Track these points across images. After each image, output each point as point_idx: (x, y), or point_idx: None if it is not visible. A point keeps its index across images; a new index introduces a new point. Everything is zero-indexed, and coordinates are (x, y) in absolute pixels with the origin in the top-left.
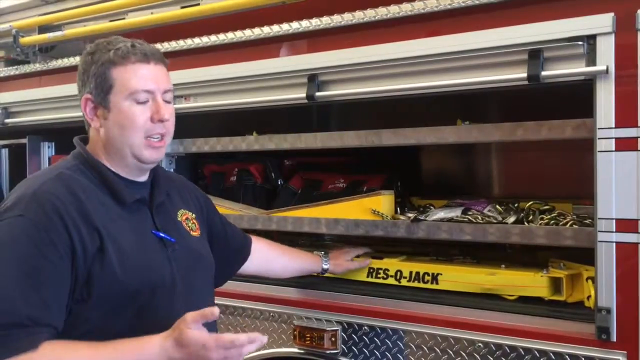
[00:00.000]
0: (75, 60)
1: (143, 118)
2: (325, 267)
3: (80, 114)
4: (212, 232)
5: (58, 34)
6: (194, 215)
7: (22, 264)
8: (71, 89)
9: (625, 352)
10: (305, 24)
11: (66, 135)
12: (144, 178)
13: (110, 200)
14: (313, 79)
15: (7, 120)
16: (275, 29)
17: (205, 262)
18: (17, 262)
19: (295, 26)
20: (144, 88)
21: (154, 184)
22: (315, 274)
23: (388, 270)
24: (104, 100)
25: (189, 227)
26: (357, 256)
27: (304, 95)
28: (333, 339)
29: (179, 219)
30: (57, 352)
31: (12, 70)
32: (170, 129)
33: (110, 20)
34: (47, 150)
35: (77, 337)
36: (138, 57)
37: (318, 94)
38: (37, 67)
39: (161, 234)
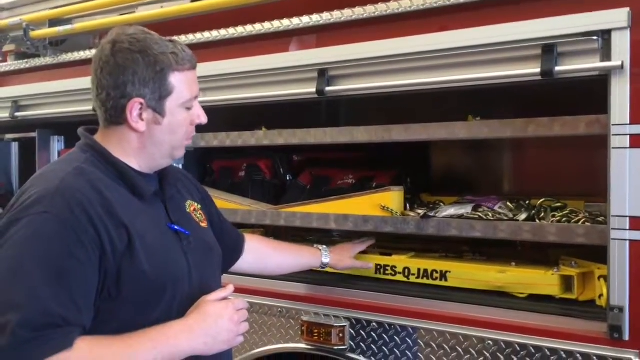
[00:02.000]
0: (85, 53)
1: (188, 122)
2: (325, 261)
3: (89, 108)
4: (211, 225)
5: (68, 27)
6: (199, 206)
7: (50, 263)
8: (81, 82)
9: (638, 351)
10: (315, 18)
11: (76, 129)
12: (152, 171)
13: (129, 194)
14: (323, 74)
15: (17, 114)
16: (285, 23)
17: (215, 252)
18: (46, 262)
19: (305, 20)
20: (196, 95)
21: (161, 176)
22: (315, 269)
23: (396, 267)
24: (159, 106)
25: (197, 218)
26: (364, 252)
27: (314, 90)
28: (341, 335)
29: (188, 210)
30: (93, 348)
31: (22, 64)
32: None
33: (120, 14)
34: (56, 144)
35: (105, 334)
36: (192, 64)
37: (328, 88)
38: (47, 60)
39: (176, 227)
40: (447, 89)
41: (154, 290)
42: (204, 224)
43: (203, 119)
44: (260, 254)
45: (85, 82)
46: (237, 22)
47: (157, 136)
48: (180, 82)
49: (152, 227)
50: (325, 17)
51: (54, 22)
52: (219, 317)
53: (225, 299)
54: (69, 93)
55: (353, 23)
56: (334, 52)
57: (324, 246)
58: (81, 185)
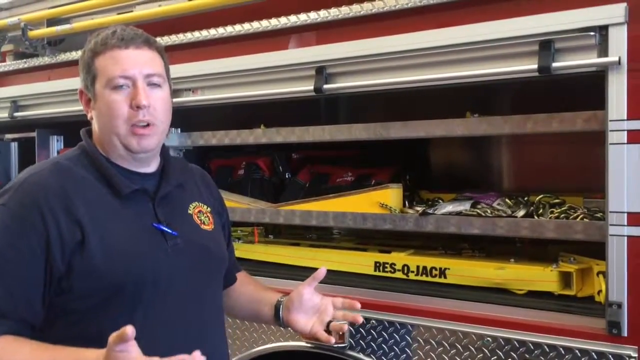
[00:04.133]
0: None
1: (124, 105)
2: (280, 313)
3: None
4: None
5: (66, 27)
6: (209, 209)
7: None
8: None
9: (636, 347)
10: (313, 16)
11: (75, 129)
12: (150, 169)
13: (106, 191)
14: (321, 72)
15: (16, 114)
16: (282, 21)
17: (214, 258)
18: None
19: (303, 18)
20: (120, 74)
21: (163, 174)
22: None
23: (395, 264)
24: (91, 91)
25: (200, 220)
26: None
27: (311, 87)
28: (340, 332)
29: (190, 211)
30: (6, 346)
31: (21, 64)
32: (158, 116)
33: (118, 13)
34: (55, 143)
35: (64, 327)
36: (116, 43)
37: (326, 86)
38: (45, 60)
39: (162, 227)
40: (444, 85)
41: (110, 288)
42: (206, 227)
43: (139, 100)
44: (235, 298)
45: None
46: (234, 21)
47: (98, 122)
48: (104, 64)
49: (125, 226)
50: (322, 15)
51: (52, 21)
52: None
53: None
54: (68, 93)
55: (351, 20)
56: (332, 50)
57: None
58: (46, 180)
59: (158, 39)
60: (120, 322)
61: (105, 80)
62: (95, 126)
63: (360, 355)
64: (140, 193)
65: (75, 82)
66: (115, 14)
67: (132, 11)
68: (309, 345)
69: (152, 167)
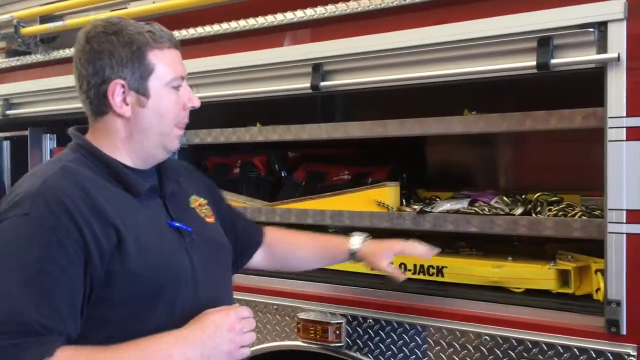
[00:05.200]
0: None
1: (178, 106)
2: (354, 247)
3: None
4: (221, 221)
5: (59, 24)
6: (205, 201)
7: (29, 268)
8: (73, 79)
9: (636, 345)
10: (309, 12)
11: (68, 127)
12: (148, 166)
13: (122, 192)
14: (317, 69)
15: (8, 112)
16: (279, 18)
17: (224, 250)
18: (24, 266)
19: (299, 15)
20: (182, 75)
21: (160, 172)
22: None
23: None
24: (142, 86)
25: (203, 213)
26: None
27: (308, 85)
28: (337, 332)
29: (192, 205)
30: (71, 358)
31: (13, 61)
32: None
33: (112, 10)
34: (48, 142)
35: (100, 341)
36: (172, 43)
37: (323, 83)
38: (38, 57)
39: (177, 224)
40: (443, 82)
41: (150, 292)
42: (210, 219)
43: (195, 101)
44: (278, 250)
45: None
46: (230, 17)
47: (143, 121)
48: (161, 60)
49: (148, 225)
50: (319, 12)
51: (44, 18)
52: (217, 326)
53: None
54: (61, 90)
55: (348, 17)
56: (329, 47)
57: (362, 234)
58: (65, 184)
59: None
60: (159, 324)
61: (170, 78)
62: (126, 124)
63: (358, 355)
64: (151, 191)
65: (68, 80)
66: (109, 10)
67: (126, 8)
68: (306, 344)
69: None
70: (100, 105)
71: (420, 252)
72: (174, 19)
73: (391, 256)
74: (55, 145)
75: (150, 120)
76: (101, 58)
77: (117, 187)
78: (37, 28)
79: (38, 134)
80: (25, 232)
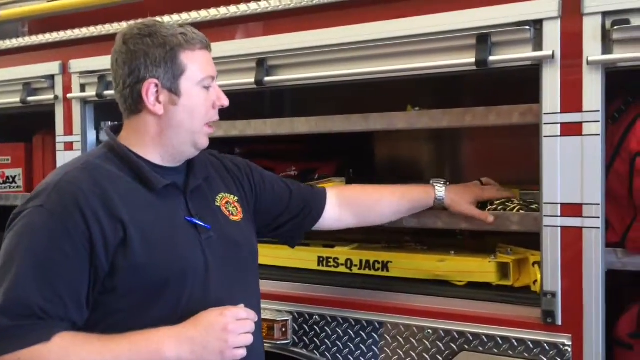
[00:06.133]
0: (12, 42)
1: (208, 104)
2: (440, 195)
3: (17, 100)
4: (268, 202)
5: None
6: (235, 198)
7: (36, 255)
8: (9, 73)
9: (570, 335)
10: (253, 7)
11: (4, 122)
12: (178, 163)
13: (140, 187)
14: (262, 64)
15: None
16: (222, 11)
17: (244, 250)
18: (32, 254)
19: (243, 8)
20: (212, 74)
21: (189, 168)
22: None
23: (338, 258)
24: (174, 85)
25: (229, 211)
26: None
27: (252, 80)
28: (284, 329)
29: (218, 203)
30: (67, 344)
31: None
32: None
33: (48, 1)
34: None
35: (105, 327)
36: (203, 44)
37: (267, 79)
38: None
39: (195, 220)
40: (384, 78)
41: (156, 284)
42: (235, 217)
43: (224, 100)
44: (354, 207)
45: (13, 72)
46: (175, 10)
47: (175, 118)
48: (192, 61)
49: (162, 220)
50: (263, 5)
51: None
52: (211, 325)
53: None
54: None
55: (292, 12)
56: (273, 42)
57: (441, 181)
58: (82, 179)
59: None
60: (164, 317)
61: (200, 77)
62: (159, 122)
63: (304, 351)
64: (172, 187)
65: (3, 73)
66: (45, 1)
67: None
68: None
69: (180, 162)
70: (134, 103)
71: (497, 194)
72: (124, 10)
73: (475, 202)
74: None
75: (182, 117)
76: (137, 59)
77: (136, 182)
78: None
79: None
80: (38, 222)
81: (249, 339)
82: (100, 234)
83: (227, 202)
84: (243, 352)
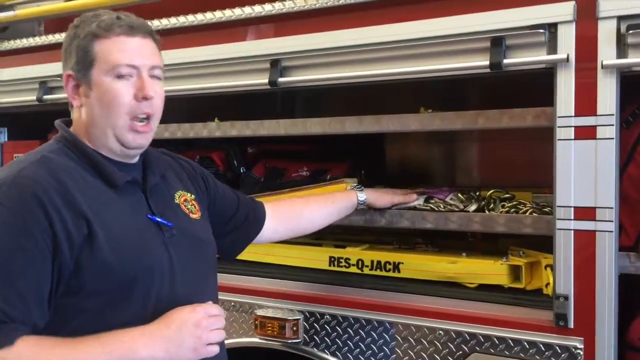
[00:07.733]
0: (29, 41)
1: (127, 95)
2: (362, 198)
3: (33, 97)
4: (220, 205)
5: (10, 13)
6: (193, 197)
7: None
8: (25, 71)
9: (582, 338)
10: (268, 8)
11: (20, 121)
12: (134, 160)
13: (100, 183)
14: (276, 65)
15: None
16: (237, 12)
17: (206, 247)
18: None
19: (257, 10)
20: (127, 62)
21: (145, 165)
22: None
23: (350, 259)
24: (86, 77)
25: (187, 209)
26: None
27: (266, 80)
28: (295, 328)
29: (177, 201)
30: (33, 348)
31: None
32: (158, 111)
33: (65, 0)
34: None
35: (71, 330)
36: (123, 30)
37: (281, 79)
38: None
39: (157, 219)
40: (398, 80)
41: (122, 285)
42: (194, 215)
43: (147, 91)
44: (286, 217)
45: (29, 70)
46: (189, 10)
47: (92, 111)
48: (106, 49)
49: (125, 217)
50: (278, 7)
51: None
52: (183, 322)
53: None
54: (12, 82)
55: (307, 13)
56: (287, 43)
57: (358, 185)
58: (40, 174)
59: None
60: (133, 317)
61: (109, 67)
62: (82, 115)
63: (315, 351)
64: (131, 184)
65: (20, 72)
66: (62, 1)
67: None
68: (263, 341)
69: (136, 158)
70: (69, 98)
71: (413, 200)
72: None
73: (391, 195)
74: (6, 139)
75: (96, 110)
76: (63, 51)
77: (96, 178)
78: None
79: None
80: None
81: (221, 335)
82: (64, 231)
83: (185, 200)
84: (216, 349)
